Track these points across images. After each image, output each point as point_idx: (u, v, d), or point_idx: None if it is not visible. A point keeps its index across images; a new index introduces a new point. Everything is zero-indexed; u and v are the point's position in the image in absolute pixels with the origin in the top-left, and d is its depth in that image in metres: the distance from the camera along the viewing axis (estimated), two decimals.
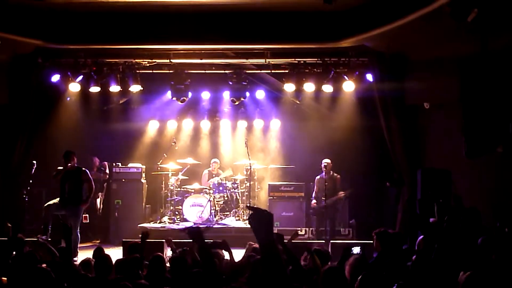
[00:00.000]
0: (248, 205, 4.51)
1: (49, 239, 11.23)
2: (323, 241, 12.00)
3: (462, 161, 11.71)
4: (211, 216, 14.68)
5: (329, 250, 10.98)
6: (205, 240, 4.37)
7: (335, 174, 13.79)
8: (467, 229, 7.43)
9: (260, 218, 3.50)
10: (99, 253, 8.50)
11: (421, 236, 7.61)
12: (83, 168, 12.14)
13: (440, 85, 12.01)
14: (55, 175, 12.01)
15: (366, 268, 5.95)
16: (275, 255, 3.46)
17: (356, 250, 7.58)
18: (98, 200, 14.97)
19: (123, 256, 9.93)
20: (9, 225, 12.08)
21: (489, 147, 11.24)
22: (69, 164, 11.85)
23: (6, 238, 9.22)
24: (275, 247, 3.48)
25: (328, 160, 13.69)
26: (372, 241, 7.98)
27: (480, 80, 11.39)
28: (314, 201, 13.82)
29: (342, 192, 13.67)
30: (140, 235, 8.02)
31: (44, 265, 6.06)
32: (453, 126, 12.06)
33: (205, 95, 15.95)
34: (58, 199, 12.04)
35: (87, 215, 12.72)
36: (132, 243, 8.63)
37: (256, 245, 8.15)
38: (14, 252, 7.60)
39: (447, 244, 5.61)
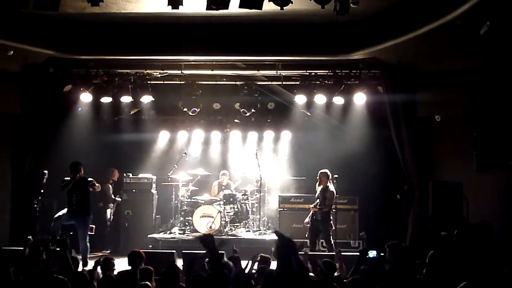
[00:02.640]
0: (276, 231, 4.49)
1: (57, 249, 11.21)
2: (334, 253, 11.91)
3: (473, 174, 11.69)
4: (221, 227, 14.67)
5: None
6: (217, 250, 4.35)
7: (329, 187, 12.78)
8: (477, 243, 7.39)
9: (284, 247, 3.52)
10: (106, 263, 8.50)
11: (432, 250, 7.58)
12: (89, 178, 12.16)
13: (452, 98, 12.00)
14: (63, 186, 12.03)
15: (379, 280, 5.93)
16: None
17: (372, 254, 7.46)
18: (109, 211, 14.98)
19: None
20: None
21: (500, 161, 11.21)
22: (78, 175, 11.91)
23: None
24: (293, 277, 3.49)
25: (322, 171, 12.92)
26: (383, 253, 7.92)
27: (491, 93, 11.38)
28: (307, 219, 13.13)
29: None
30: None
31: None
32: (464, 139, 12.03)
33: (216, 106, 16.01)
34: (66, 209, 12.12)
35: (94, 226, 12.69)
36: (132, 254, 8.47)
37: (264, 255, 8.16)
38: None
39: (457, 258, 5.59)
